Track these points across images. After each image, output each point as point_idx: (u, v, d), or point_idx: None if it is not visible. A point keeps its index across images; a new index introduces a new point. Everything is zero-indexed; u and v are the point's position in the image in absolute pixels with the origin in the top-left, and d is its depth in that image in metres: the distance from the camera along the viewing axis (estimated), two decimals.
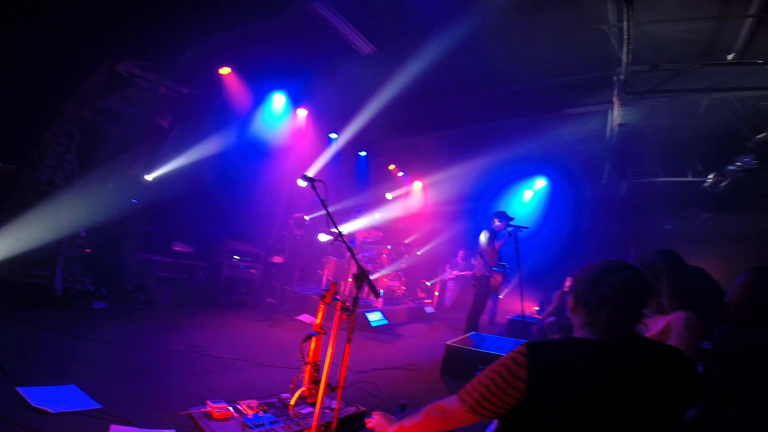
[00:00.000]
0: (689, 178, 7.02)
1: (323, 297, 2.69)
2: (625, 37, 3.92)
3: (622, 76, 4.46)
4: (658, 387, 1.14)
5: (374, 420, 1.64)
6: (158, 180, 6.15)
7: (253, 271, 6.57)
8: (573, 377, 1.12)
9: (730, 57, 4.28)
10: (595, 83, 5.51)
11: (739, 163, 5.77)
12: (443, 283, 9.61)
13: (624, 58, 4.12)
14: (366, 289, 2.37)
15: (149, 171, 6.12)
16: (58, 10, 4.37)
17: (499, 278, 5.81)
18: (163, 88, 5.80)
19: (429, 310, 8.01)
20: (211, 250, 6.71)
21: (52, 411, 2.19)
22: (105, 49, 5.04)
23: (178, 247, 6.46)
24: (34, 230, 2.85)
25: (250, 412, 2.44)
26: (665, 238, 8.84)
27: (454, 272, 9.39)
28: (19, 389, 2.36)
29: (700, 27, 4.17)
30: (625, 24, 3.83)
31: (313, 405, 2.34)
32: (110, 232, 5.77)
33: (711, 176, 6.68)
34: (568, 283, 4.97)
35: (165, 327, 4.39)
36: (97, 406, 2.37)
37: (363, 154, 9.32)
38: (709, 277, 2.70)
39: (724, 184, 6.62)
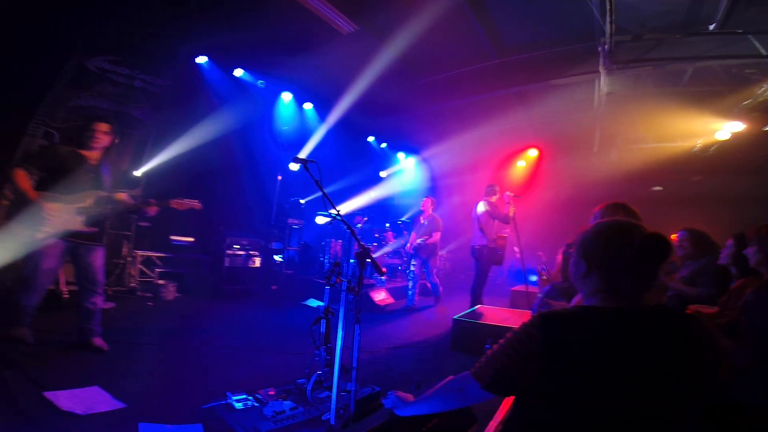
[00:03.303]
0: (678, 144, 7.14)
1: (327, 278, 2.74)
2: (608, 7, 3.91)
3: (606, 47, 4.48)
4: (681, 357, 1.08)
5: (391, 399, 1.70)
6: (147, 175, 6.10)
7: (254, 259, 6.64)
8: (591, 350, 1.06)
9: (711, 27, 4.31)
10: (579, 54, 5.52)
11: (727, 128, 5.90)
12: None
13: (607, 28, 4.15)
14: (369, 268, 2.44)
15: (137, 167, 6.06)
16: (16, 7, 4.22)
17: (501, 249, 5.94)
18: (138, 82, 5.73)
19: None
20: (210, 242, 6.73)
21: (81, 414, 2.27)
22: (71, 46, 4.96)
23: (177, 241, 6.48)
24: (30, 236, 2.99)
25: (270, 400, 2.54)
26: (656, 202, 9.05)
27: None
28: (46, 394, 2.43)
29: None
30: None
31: (330, 389, 2.45)
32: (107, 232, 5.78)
33: (699, 141, 6.82)
34: (559, 256, 5.08)
35: (174, 322, 4.48)
36: (122, 405, 2.45)
37: (354, 134, 9.27)
38: None
39: (713, 148, 6.78)
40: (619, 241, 1.16)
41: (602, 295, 1.19)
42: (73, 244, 3.19)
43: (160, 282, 5.63)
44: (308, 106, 7.63)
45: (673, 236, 3.72)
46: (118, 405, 2.46)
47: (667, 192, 9.45)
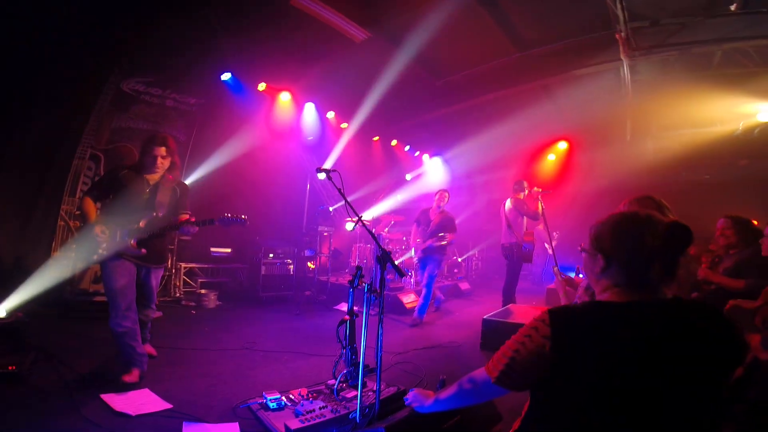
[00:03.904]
0: (718, 128, 6.79)
1: (351, 282, 2.85)
2: None
3: (623, 34, 4.35)
4: (702, 352, 1.05)
5: (411, 396, 1.73)
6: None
7: (288, 267, 6.89)
8: (605, 346, 1.04)
9: (732, 7, 4.12)
10: (601, 42, 5.36)
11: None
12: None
13: (620, 14, 4.03)
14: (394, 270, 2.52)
15: None
16: (56, 35, 4.53)
17: (530, 246, 5.83)
18: (170, 102, 6.01)
19: (464, 286, 8.13)
20: (247, 251, 7.05)
21: (132, 414, 2.49)
22: (108, 69, 5.23)
23: (217, 252, 6.84)
24: (85, 252, 3.25)
25: (301, 400, 2.69)
26: (703, 189, 8.60)
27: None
28: (102, 396, 2.69)
29: None
30: None
31: (356, 388, 2.56)
32: None
33: (741, 124, 6.47)
34: None
35: (216, 328, 4.75)
36: (169, 406, 2.66)
37: (376, 139, 9.39)
38: None
39: (757, 130, 6.41)
40: (641, 232, 1.14)
41: (619, 290, 1.17)
42: (136, 265, 3.14)
43: (202, 291, 5.97)
44: (331, 114, 7.82)
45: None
46: (165, 405, 2.68)
47: (712, 178, 8.95)
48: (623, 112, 7.31)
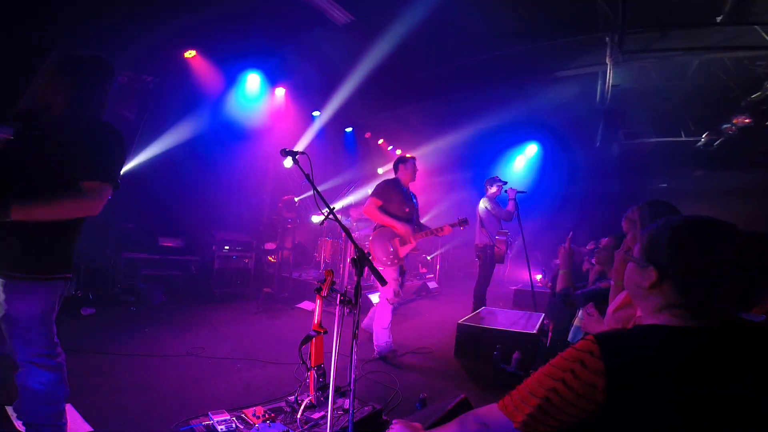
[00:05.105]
0: (682, 138, 6.99)
1: (319, 290, 2.41)
2: None
3: (616, 37, 4.28)
4: None
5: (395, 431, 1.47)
6: (133, 174, 5.79)
7: (246, 260, 6.35)
8: (672, 380, 0.85)
9: (719, 19, 4.17)
10: (583, 45, 5.31)
11: (734, 122, 5.76)
12: None
13: (619, 18, 3.95)
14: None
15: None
16: None
17: (502, 246, 5.67)
18: (123, 78, 5.37)
19: (433, 285, 7.92)
20: (200, 243, 6.43)
21: None
22: (52, 39, 4.57)
23: (166, 243, 6.17)
24: None
25: (256, 422, 2.27)
26: (660, 197, 8.89)
27: None
28: (9, 409, 2.15)
29: None
30: None
31: (324, 410, 2.18)
32: (89, 233, 5.45)
33: (704, 135, 6.69)
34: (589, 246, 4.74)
35: (159, 329, 4.18)
36: (89, 429, 2.17)
37: (349, 130, 8.99)
38: None
39: (717, 143, 6.65)
40: (711, 246, 0.91)
41: (679, 312, 0.94)
42: None
43: (145, 285, 5.31)
44: (302, 100, 7.34)
45: None
46: (84, 428, 2.18)
47: (671, 188, 9.30)
48: (594, 118, 7.37)
